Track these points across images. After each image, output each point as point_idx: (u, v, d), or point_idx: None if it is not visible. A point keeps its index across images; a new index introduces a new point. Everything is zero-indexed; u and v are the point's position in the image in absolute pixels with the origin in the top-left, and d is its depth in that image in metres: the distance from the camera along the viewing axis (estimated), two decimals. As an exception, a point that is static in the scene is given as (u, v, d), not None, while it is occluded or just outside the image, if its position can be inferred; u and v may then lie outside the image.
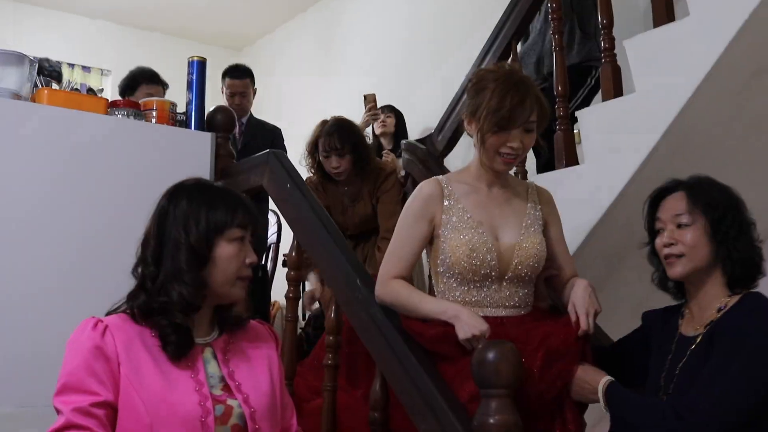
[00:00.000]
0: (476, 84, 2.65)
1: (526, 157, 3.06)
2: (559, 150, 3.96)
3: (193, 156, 3.55)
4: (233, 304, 2.14)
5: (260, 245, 5.24)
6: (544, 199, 2.78)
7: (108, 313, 2.07)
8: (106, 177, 3.30)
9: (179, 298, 1.99)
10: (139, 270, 2.07)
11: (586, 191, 3.63)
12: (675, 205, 2.42)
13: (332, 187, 4.48)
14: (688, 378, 2.28)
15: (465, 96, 2.73)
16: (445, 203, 2.67)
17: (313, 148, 4.39)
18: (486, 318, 2.54)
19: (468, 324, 2.48)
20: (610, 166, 3.59)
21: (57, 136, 3.22)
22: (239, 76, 5.68)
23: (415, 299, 2.64)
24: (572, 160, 3.96)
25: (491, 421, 2.23)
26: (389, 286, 2.68)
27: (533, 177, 3.99)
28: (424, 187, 2.73)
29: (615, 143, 3.65)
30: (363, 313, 2.86)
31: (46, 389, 3.04)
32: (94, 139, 3.31)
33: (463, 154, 4.82)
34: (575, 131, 4.11)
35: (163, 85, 5.01)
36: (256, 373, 2.09)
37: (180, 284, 2.00)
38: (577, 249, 3.55)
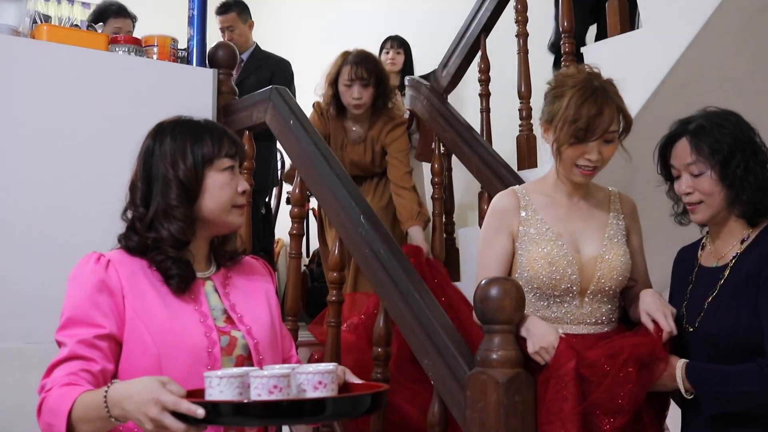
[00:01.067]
0: (554, 89, 2.49)
1: None
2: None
3: (194, 93, 3.52)
4: (229, 238, 2.15)
5: (265, 181, 5.24)
6: (626, 208, 2.61)
7: None
8: (106, 114, 3.28)
9: (169, 234, 1.99)
10: (129, 213, 2.07)
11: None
12: (683, 153, 2.38)
13: (337, 122, 4.37)
14: (724, 311, 2.30)
15: (543, 101, 2.55)
16: (522, 215, 2.51)
17: (334, 78, 4.26)
18: (567, 335, 2.38)
19: (536, 336, 2.32)
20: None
21: (57, 73, 3.19)
22: (223, 11, 5.63)
23: None
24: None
25: (494, 356, 2.25)
26: None
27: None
28: (499, 200, 2.58)
29: (621, 79, 3.61)
30: (366, 250, 2.86)
31: (53, 326, 3.08)
32: (94, 76, 3.28)
33: (471, 94, 4.78)
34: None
35: (132, 18, 4.96)
36: (256, 306, 2.12)
37: (170, 220, 2.00)
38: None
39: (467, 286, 4.16)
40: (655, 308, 2.37)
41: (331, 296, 3.11)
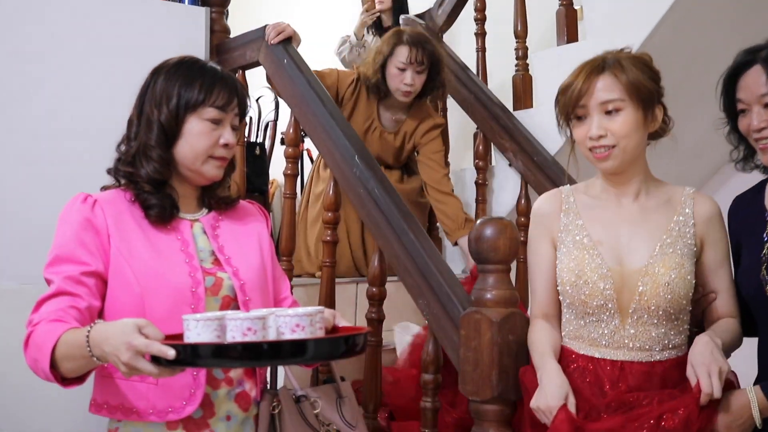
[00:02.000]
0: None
1: None
2: (560, 27, 3.90)
3: (187, 32, 3.48)
4: (218, 183, 2.13)
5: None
6: (701, 212, 2.18)
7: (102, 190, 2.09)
8: (97, 52, 3.24)
9: (145, 173, 2.01)
10: (122, 147, 2.09)
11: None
12: (756, 83, 2.10)
13: (370, 103, 3.98)
14: None
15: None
16: (563, 219, 2.23)
17: (385, 58, 3.80)
18: (603, 361, 2.12)
19: (541, 393, 2.05)
20: (613, 43, 3.53)
21: (47, 11, 3.15)
22: None
23: (534, 347, 2.20)
24: (573, 36, 3.90)
25: (488, 296, 2.25)
26: (531, 327, 2.27)
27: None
28: (540, 203, 2.30)
29: (618, 18, 3.59)
30: (361, 190, 2.86)
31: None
32: (85, 15, 3.24)
33: (468, 29, 4.73)
34: (577, 7, 4.03)
35: None
36: (246, 248, 2.12)
37: (147, 160, 2.02)
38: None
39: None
40: (700, 361, 1.97)
41: (325, 236, 3.11)
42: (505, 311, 2.23)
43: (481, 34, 4.41)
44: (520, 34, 4.13)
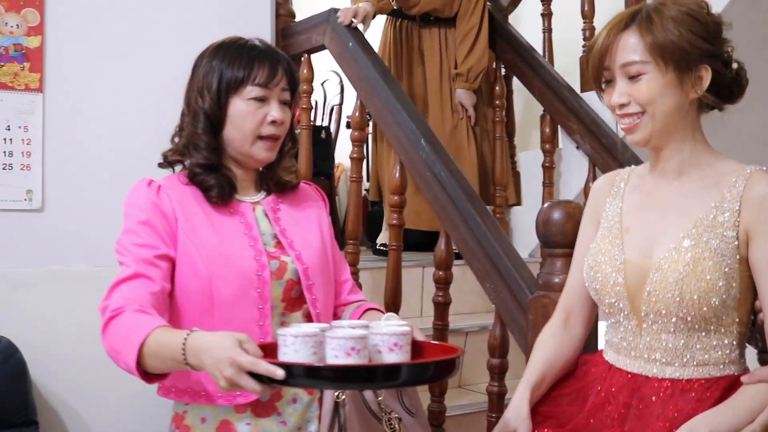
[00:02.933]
0: None
1: None
2: (628, 5, 3.83)
3: (252, 17, 3.49)
4: (275, 165, 2.13)
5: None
6: (753, 196, 1.73)
7: None
8: (160, 38, 3.27)
9: (195, 162, 2.02)
10: (175, 139, 2.12)
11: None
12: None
13: None
14: None
15: None
16: (609, 202, 1.95)
17: None
18: (618, 372, 1.85)
19: (505, 412, 1.90)
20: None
21: (114, 3, 3.19)
22: None
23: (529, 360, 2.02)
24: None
25: (556, 280, 2.23)
26: (545, 326, 2.06)
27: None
28: (595, 184, 2.06)
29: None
30: (428, 173, 2.85)
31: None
32: (149, 4, 3.27)
33: (534, 9, 4.68)
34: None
35: None
36: (307, 231, 2.12)
37: (196, 149, 2.03)
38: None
39: (528, 210, 4.15)
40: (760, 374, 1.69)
41: (392, 220, 3.11)
42: (573, 295, 2.21)
43: (547, 15, 4.35)
44: (587, 13, 4.07)
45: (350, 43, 3.29)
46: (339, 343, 1.60)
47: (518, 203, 4.40)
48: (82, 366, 3.02)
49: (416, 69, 4.22)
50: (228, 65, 2.01)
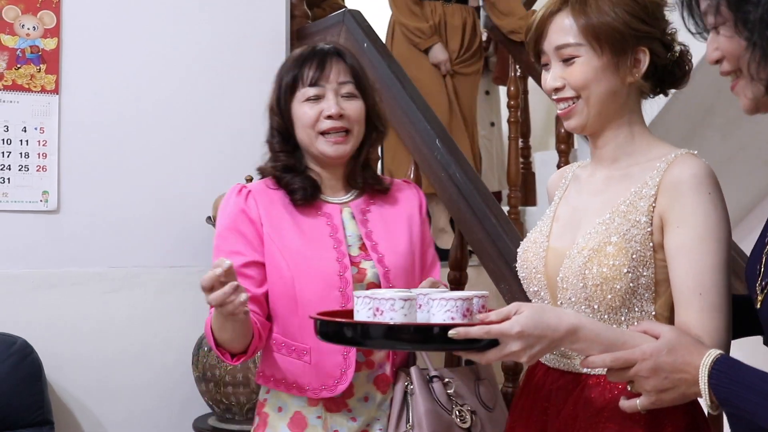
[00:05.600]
0: None
1: None
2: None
3: (267, 18, 3.50)
4: (356, 164, 2.13)
5: None
6: (669, 179, 1.60)
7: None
8: (176, 41, 3.28)
9: (281, 166, 2.08)
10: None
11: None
12: None
13: None
14: None
15: None
16: (557, 194, 1.89)
17: None
18: (542, 366, 1.77)
19: None
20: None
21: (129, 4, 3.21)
22: None
23: None
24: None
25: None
26: None
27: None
28: (551, 176, 2.01)
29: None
30: (442, 174, 2.84)
31: (133, 251, 3.15)
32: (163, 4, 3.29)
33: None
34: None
35: None
36: (394, 233, 2.11)
37: (275, 155, 2.10)
38: (665, 105, 3.42)
39: (543, 211, 4.12)
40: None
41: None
42: (589, 296, 2.20)
43: (563, 15, 4.34)
44: (604, 14, 4.05)
45: (365, 44, 3.29)
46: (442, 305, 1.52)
47: (533, 204, 4.39)
48: (98, 366, 3.04)
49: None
50: (285, 72, 2.08)
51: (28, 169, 3.00)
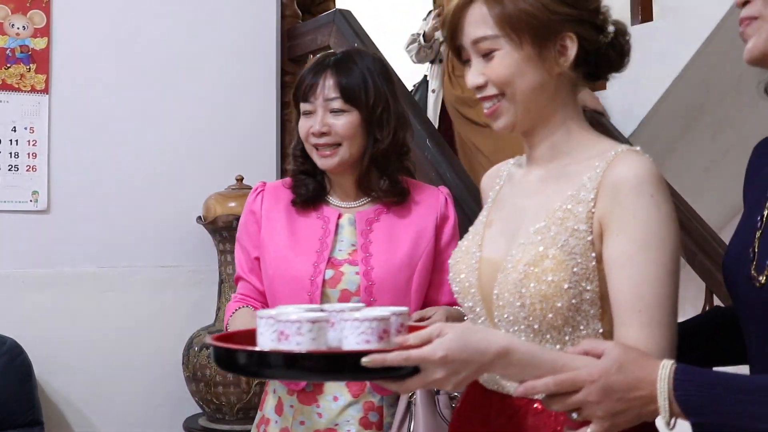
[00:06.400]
0: None
1: None
2: (634, 6, 3.83)
3: (258, 17, 3.50)
4: (366, 173, 2.08)
5: None
6: (607, 183, 1.41)
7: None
8: (165, 40, 3.28)
9: (294, 168, 2.13)
10: None
11: (664, 47, 3.51)
12: None
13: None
14: None
15: None
16: (490, 195, 1.68)
17: None
18: (477, 387, 1.55)
19: None
20: (689, 23, 3.45)
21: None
22: None
23: None
24: (648, 15, 3.83)
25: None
26: None
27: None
28: (483, 176, 1.80)
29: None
30: (433, 174, 2.85)
31: (124, 251, 3.15)
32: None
33: None
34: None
35: None
36: (395, 246, 2.05)
37: (293, 158, 2.13)
38: (654, 105, 3.42)
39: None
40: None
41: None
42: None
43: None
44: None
45: (356, 44, 3.29)
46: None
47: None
48: (88, 367, 3.03)
49: None
50: (296, 83, 2.11)
51: (18, 169, 2.99)
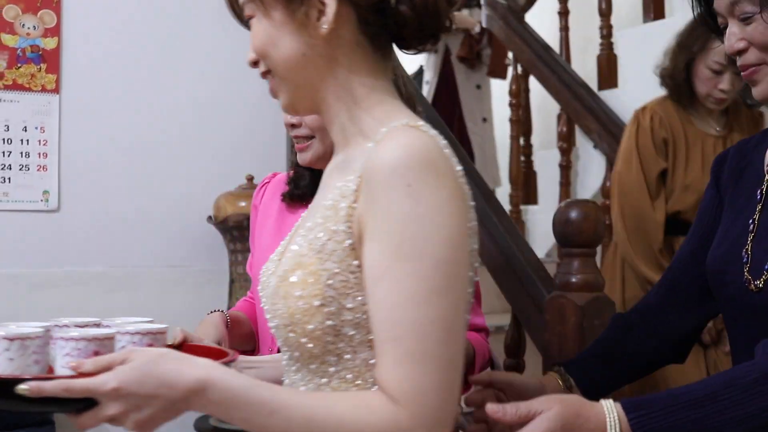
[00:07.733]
0: None
1: None
2: (646, 3, 3.82)
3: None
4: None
5: None
6: (366, 173, 1.10)
7: None
8: (173, 40, 3.28)
9: (295, 163, 2.08)
10: None
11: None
12: None
13: (677, 118, 2.94)
14: None
15: None
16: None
17: (691, 55, 2.81)
18: None
19: None
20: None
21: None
22: None
23: None
24: (659, 13, 3.82)
25: (573, 279, 2.21)
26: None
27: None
28: None
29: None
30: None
31: (133, 251, 3.15)
32: None
33: (550, 7, 4.66)
34: None
35: None
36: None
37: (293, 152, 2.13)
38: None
39: (544, 209, 4.13)
40: None
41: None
42: (590, 295, 2.19)
43: (564, 13, 4.32)
44: (605, 11, 4.04)
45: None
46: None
47: (535, 203, 4.38)
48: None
49: None
50: None
51: (28, 169, 3.00)
